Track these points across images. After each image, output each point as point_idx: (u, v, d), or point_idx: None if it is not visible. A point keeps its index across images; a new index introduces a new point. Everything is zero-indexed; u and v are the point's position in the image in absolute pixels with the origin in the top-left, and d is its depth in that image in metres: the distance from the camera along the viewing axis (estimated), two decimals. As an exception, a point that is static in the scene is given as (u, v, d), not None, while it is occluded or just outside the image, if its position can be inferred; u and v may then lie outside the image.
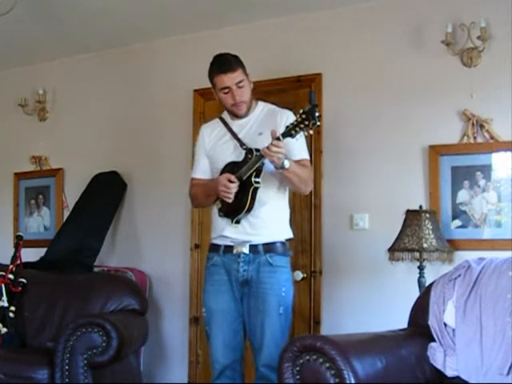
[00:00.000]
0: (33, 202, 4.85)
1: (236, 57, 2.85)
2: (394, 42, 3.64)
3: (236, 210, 2.73)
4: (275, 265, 2.74)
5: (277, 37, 3.97)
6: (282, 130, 2.57)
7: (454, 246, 3.29)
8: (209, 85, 4.11)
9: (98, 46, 4.53)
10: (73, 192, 4.58)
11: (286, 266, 2.80)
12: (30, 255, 4.16)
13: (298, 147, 2.76)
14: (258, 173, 2.68)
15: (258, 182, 2.69)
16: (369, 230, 3.61)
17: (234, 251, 2.77)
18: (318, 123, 2.43)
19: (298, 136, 2.51)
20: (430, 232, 3.16)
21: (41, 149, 4.80)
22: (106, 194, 4.37)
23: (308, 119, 2.43)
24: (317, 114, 2.42)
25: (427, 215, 3.21)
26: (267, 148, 2.53)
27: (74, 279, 3.82)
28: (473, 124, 3.37)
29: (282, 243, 2.81)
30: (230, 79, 2.77)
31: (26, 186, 4.87)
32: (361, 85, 3.70)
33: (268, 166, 2.66)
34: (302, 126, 2.45)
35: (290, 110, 2.86)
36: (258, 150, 2.64)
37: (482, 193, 3.34)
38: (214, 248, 2.86)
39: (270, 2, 3.78)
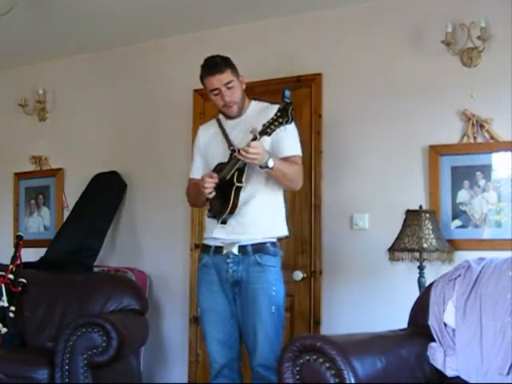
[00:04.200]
0: (33, 201, 4.85)
1: (225, 58, 2.85)
2: (394, 42, 3.64)
3: (221, 210, 2.74)
4: (264, 264, 2.74)
5: (277, 37, 3.97)
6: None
7: (454, 246, 3.29)
8: (209, 85, 4.16)
9: (98, 46, 4.53)
10: (73, 192, 4.58)
11: (276, 265, 2.79)
12: (30, 255, 4.16)
13: (288, 143, 2.76)
14: (241, 172, 2.68)
15: (240, 181, 2.69)
16: (369, 230, 3.61)
17: (224, 252, 2.78)
18: (292, 120, 2.46)
19: (277, 131, 2.50)
20: (430, 232, 3.16)
21: (41, 149, 4.80)
22: (106, 193, 4.37)
23: (282, 117, 2.45)
24: (291, 112, 2.44)
25: (427, 215, 3.21)
26: (243, 149, 2.54)
27: (74, 279, 3.82)
28: (473, 124, 3.37)
29: (272, 243, 2.80)
30: (218, 81, 2.78)
31: (26, 185, 4.87)
32: (361, 85, 3.70)
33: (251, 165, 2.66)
34: (276, 123, 2.47)
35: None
36: (239, 150, 2.64)
37: (482, 193, 3.34)
38: (205, 249, 2.89)
39: (270, 2, 3.78)
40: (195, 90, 4.19)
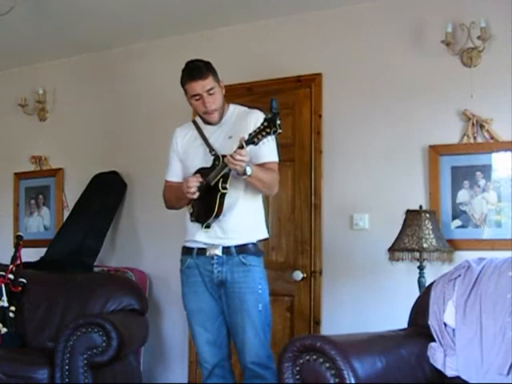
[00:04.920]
0: (33, 201, 4.85)
1: (207, 63, 2.83)
2: (393, 42, 3.64)
3: (206, 215, 2.75)
4: (249, 264, 2.76)
5: (277, 37, 3.97)
6: (251, 131, 2.55)
7: (454, 246, 3.29)
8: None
9: (98, 46, 4.53)
10: (73, 192, 4.58)
11: (259, 265, 2.82)
12: (30, 255, 4.16)
13: (265, 150, 2.75)
14: (226, 179, 2.69)
15: (225, 188, 2.70)
16: (369, 230, 3.61)
17: (207, 253, 2.79)
18: (280, 131, 2.43)
19: (264, 141, 2.49)
20: (430, 232, 3.16)
21: (41, 149, 4.80)
22: (106, 194, 4.36)
23: (270, 127, 2.44)
24: (278, 122, 2.42)
25: (427, 215, 3.21)
26: (231, 156, 2.54)
27: (74, 279, 3.82)
28: (473, 124, 3.37)
29: (254, 244, 2.82)
30: (200, 86, 2.76)
31: (26, 185, 4.87)
32: (361, 85, 3.70)
33: (232, 171, 2.67)
34: (263, 133, 2.46)
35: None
36: (224, 157, 2.64)
37: (482, 193, 3.34)
38: (187, 251, 2.88)
39: (270, 1, 3.78)
40: (195, 90, 4.19)
